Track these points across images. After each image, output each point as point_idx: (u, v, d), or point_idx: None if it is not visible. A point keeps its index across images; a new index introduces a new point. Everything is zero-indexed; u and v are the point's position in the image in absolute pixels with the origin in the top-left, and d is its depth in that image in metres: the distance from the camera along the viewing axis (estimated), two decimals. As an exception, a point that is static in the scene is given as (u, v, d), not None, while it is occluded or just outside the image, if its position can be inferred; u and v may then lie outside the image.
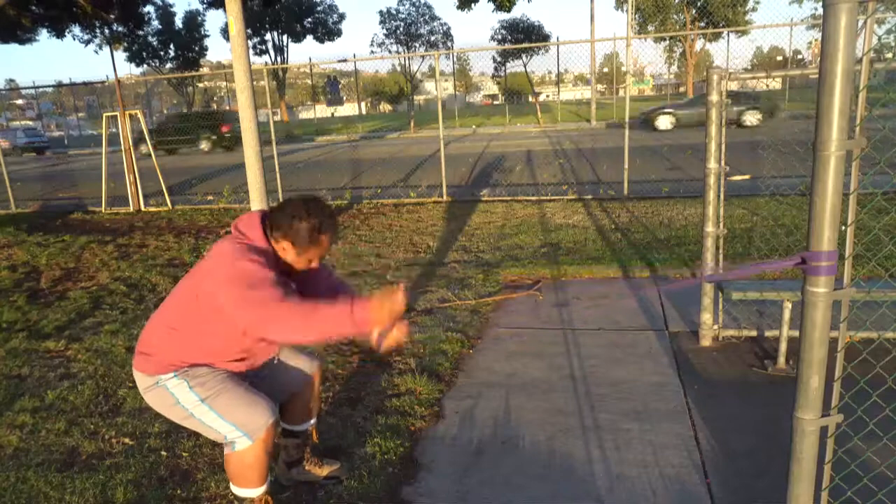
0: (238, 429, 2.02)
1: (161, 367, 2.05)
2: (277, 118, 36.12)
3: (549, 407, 3.02)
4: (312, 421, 2.47)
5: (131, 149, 10.23)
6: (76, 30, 15.56)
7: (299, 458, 2.47)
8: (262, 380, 2.23)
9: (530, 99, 39.16)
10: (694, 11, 24.84)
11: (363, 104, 57.20)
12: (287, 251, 2.01)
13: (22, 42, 15.22)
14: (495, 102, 67.71)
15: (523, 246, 6.17)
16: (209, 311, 1.96)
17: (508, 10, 16.83)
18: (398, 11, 33.93)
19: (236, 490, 2.14)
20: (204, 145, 23.37)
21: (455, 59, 45.29)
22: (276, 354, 2.31)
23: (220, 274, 1.90)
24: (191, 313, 2.01)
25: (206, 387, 2.04)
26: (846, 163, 1.40)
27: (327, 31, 36.68)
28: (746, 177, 9.45)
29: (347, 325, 1.78)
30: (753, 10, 28.10)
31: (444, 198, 9.32)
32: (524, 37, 31.34)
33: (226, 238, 2.03)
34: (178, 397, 2.04)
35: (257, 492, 2.13)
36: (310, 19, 35.63)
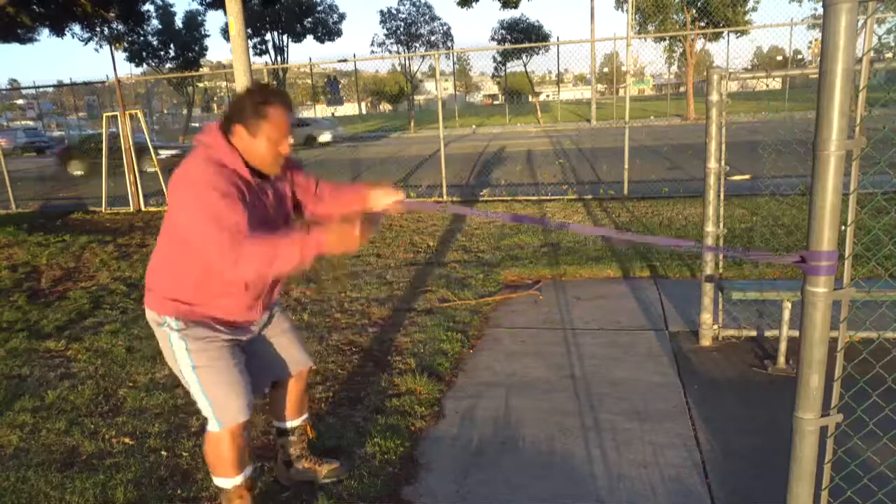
0: (212, 409, 2.03)
1: (163, 305, 2.02)
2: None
3: (550, 407, 3.02)
4: (304, 416, 2.47)
5: (131, 148, 10.23)
6: (76, 28, 15.54)
7: (298, 455, 2.47)
8: (257, 354, 2.24)
9: (530, 99, 39.15)
10: (694, 11, 24.79)
11: (363, 104, 57.16)
12: (244, 138, 1.92)
13: (22, 41, 15.21)
14: (495, 102, 67.73)
15: (523, 246, 6.17)
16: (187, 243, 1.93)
17: (515, 7, 16.78)
18: (398, 11, 33.91)
19: (214, 479, 2.16)
20: None
21: (455, 58, 45.28)
22: (274, 305, 2.29)
23: (191, 210, 1.84)
24: (174, 242, 1.98)
25: (200, 355, 2.02)
26: (846, 163, 1.40)
27: (327, 31, 36.63)
28: (746, 177, 9.45)
29: (302, 255, 1.79)
30: (753, 9, 28.08)
31: (445, 198, 9.32)
32: (524, 37, 31.33)
33: (190, 153, 1.96)
34: (177, 355, 2.04)
35: (230, 482, 2.14)
36: (310, 19, 35.57)
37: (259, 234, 1.86)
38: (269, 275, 1.87)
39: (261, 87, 1.95)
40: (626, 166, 8.75)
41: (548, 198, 8.87)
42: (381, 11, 33.95)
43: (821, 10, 1.33)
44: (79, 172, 15.04)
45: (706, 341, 3.66)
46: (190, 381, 2.05)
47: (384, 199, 2.14)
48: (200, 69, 33.23)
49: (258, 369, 2.28)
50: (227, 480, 2.14)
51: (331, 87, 39.89)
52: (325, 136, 25.82)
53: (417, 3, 33.80)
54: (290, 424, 2.44)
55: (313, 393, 3.24)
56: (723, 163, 3.49)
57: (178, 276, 2.01)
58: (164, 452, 2.77)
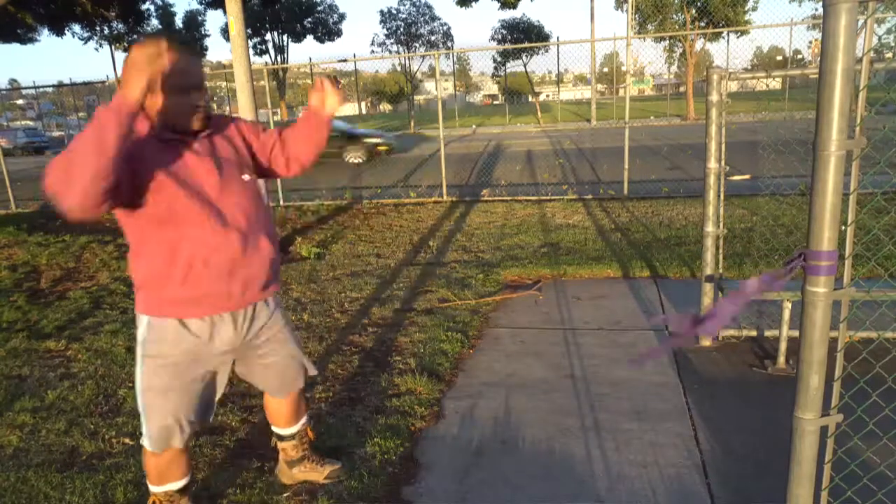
0: (146, 429, 2.04)
1: (142, 303, 1.98)
2: (277, 118, 36.12)
3: (550, 407, 3.02)
4: (303, 420, 2.46)
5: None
6: (76, 27, 15.55)
7: (299, 457, 2.47)
8: (255, 365, 2.20)
9: (530, 99, 39.15)
10: (694, 11, 24.81)
11: (363, 104, 57.16)
12: (154, 99, 1.82)
13: (22, 41, 15.23)
14: (495, 102, 67.78)
15: (523, 246, 6.17)
16: (125, 215, 1.88)
17: (514, 7, 16.79)
18: (398, 11, 33.91)
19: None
20: None
21: (455, 58, 45.28)
22: (279, 309, 2.21)
23: None
24: (125, 227, 1.93)
25: (150, 374, 1.98)
26: (846, 163, 1.40)
27: (327, 31, 36.69)
28: (746, 177, 9.45)
29: (108, 117, 1.58)
30: (753, 9, 28.08)
31: (445, 198, 9.32)
32: (524, 37, 31.33)
33: None
34: (137, 361, 2.01)
35: (152, 488, 2.16)
36: (310, 19, 35.64)
37: (190, 191, 1.85)
38: (89, 167, 1.55)
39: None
40: (626, 166, 8.75)
41: (548, 198, 8.87)
42: (381, 11, 33.95)
43: (821, 10, 1.33)
44: (357, 160, 14.42)
45: (706, 341, 3.66)
46: (137, 390, 2.02)
47: (331, 101, 2.19)
48: (200, 69, 33.19)
49: (258, 380, 2.25)
50: (151, 486, 2.17)
51: (331, 86, 39.76)
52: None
53: (417, 3, 33.81)
54: (289, 431, 2.43)
55: (313, 393, 3.24)
56: (723, 163, 3.49)
57: (143, 256, 1.93)
58: (164, 452, 2.77)
